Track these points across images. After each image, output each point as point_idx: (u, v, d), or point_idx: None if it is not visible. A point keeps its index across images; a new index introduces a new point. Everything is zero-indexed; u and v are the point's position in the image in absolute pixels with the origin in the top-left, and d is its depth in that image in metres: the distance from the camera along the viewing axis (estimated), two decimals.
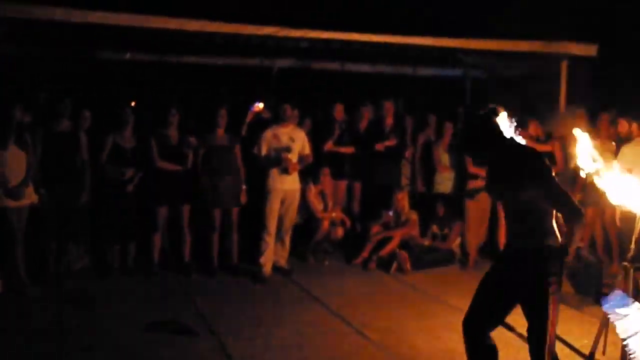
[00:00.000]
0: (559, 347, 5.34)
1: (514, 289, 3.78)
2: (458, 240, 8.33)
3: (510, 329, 5.67)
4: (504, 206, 3.96)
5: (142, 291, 6.78)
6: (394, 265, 7.82)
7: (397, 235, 8.04)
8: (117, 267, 7.27)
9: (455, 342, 4.81)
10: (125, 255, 7.34)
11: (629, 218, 5.11)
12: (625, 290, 4.99)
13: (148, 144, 7.24)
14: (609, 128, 7.91)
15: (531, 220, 3.75)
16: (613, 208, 7.12)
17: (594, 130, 7.52)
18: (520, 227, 3.80)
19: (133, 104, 8.79)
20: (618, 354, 5.01)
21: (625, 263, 5.02)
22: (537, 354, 3.77)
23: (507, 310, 3.87)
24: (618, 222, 7.72)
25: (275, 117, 7.61)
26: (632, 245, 4.98)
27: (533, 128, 8.13)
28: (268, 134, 7.38)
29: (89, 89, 8.81)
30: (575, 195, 8.20)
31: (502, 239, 8.22)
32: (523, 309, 3.84)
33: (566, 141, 8.00)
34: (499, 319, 3.92)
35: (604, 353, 5.17)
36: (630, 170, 7.08)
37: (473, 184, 8.17)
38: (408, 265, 7.79)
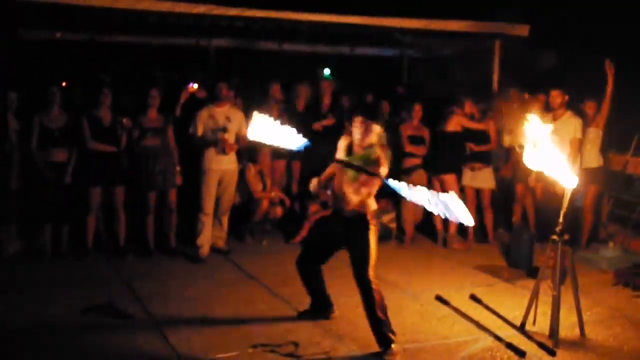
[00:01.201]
0: (492, 319, 5.50)
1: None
2: (391, 216, 8.40)
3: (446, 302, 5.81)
4: None
5: (76, 275, 6.64)
6: None
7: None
8: (50, 251, 7.11)
9: (391, 317, 4.88)
10: (59, 238, 7.18)
11: (556, 192, 5.26)
12: (554, 264, 5.17)
13: (80, 125, 7.07)
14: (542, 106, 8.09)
15: None
16: (543, 182, 7.33)
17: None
18: None
19: (64, 84, 8.56)
20: (548, 324, 5.20)
21: (554, 236, 5.19)
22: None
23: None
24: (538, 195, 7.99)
25: (211, 97, 7.51)
26: (561, 219, 5.15)
27: (468, 106, 8.26)
28: (204, 113, 7.29)
29: (16, 69, 8.51)
30: (507, 172, 8.43)
31: (437, 216, 8.36)
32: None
33: (500, 119, 8.19)
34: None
35: (534, 323, 5.34)
36: (579, 140, 7.41)
37: (409, 162, 8.27)
38: None
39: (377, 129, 4.95)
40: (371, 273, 4.87)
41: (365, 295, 4.87)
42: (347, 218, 4.99)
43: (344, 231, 5.03)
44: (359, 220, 4.94)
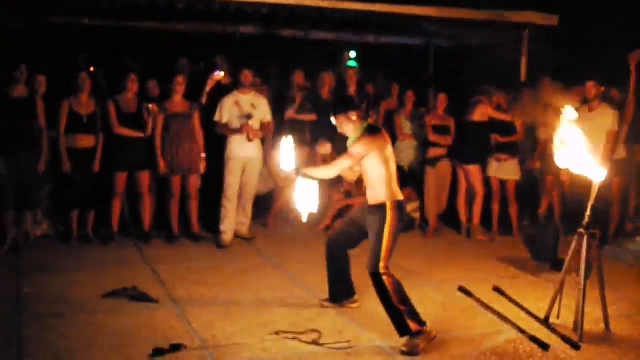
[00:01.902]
0: (515, 312, 5.46)
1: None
2: (415, 205, 8.36)
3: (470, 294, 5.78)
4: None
5: (101, 259, 6.72)
6: None
7: (358, 203, 8.05)
8: (77, 235, 7.18)
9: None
10: (84, 222, 7.25)
11: (584, 186, 5.20)
12: (581, 257, 5.11)
13: (106, 110, 7.12)
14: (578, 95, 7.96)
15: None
16: (571, 175, 7.24)
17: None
18: None
19: (91, 69, 8.61)
20: (572, 317, 5.15)
21: (581, 230, 5.13)
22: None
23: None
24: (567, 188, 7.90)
25: (236, 84, 7.51)
26: (588, 213, 5.09)
27: (496, 97, 8.18)
28: (228, 100, 7.30)
29: (45, 54, 8.58)
30: (534, 163, 8.34)
31: (461, 207, 8.33)
32: None
33: (527, 110, 8.09)
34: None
35: (558, 317, 5.30)
36: (616, 132, 7.31)
37: (434, 152, 8.22)
38: None
39: (342, 119, 5.04)
40: (382, 264, 4.82)
41: (376, 287, 4.85)
42: (367, 207, 5.05)
43: (365, 219, 5.06)
44: (375, 210, 4.94)
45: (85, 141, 7.04)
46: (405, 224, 5.24)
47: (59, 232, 7.35)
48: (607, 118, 7.47)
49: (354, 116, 5.01)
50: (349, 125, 5.03)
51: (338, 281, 5.49)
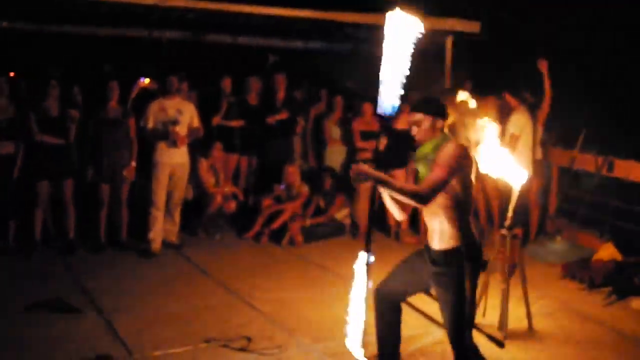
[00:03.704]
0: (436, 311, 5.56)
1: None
2: (346, 212, 8.44)
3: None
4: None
5: (23, 270, 6.50)
6: (286, 238, 7.86)
7: (289, 209, 8.07)
8: None
9: (344, 311, 4.89)
10: (5, 233, 7.00)
11: (507, 188, 5.34)
12: (503, 257, 5.26)
13: (26, 116, 6.91)
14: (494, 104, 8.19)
15: None
16: (493, 178, 7.43)
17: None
18: None
19: (11, 74, 8.34)
20: (497, 316, 5.29)
21: (504, 231, 5.29)
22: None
23: None
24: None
25: (162, 90, 7.42)
26: (510, 214, 5.25)
27: None
28: (154, 106, 7.21)
29: None
30: None
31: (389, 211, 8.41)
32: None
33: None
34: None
35: (484, 316, 5.42)
36: (517, 137, 7.50)
37: (361, 157, 8.31)
38: (299, 238, 7.86)
39: (426, 121, 3.91)
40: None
41: None
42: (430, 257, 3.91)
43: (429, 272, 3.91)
44: (443, 261, 3.80)
45: (4, 148, 6.80)
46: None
47: None
48: (513, 123, 7.71)
49: (440, 125, 3.90)
50: (428, 131, 3.88)
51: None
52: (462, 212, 3.76)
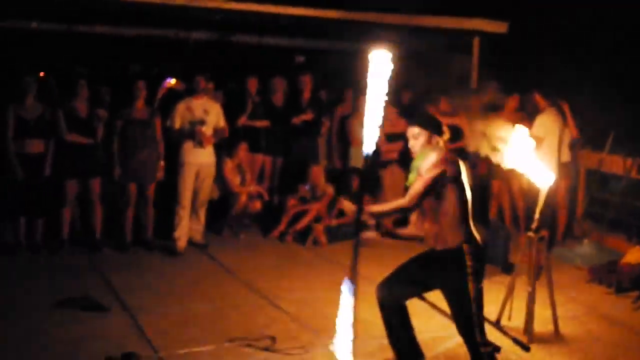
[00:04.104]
0: None
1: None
2: None
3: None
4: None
5: (51, 268, 6.58)
6: (310, 238, 7.87)
7: (313, 209, 8.08)
8: (25, 244, 7.01)
9: (367, 312, 4.89)
10: (33, 231, 7.08)
11: (534, 190, 5.30)
12: (530, 260, 5.21)
13: (56, 116, 6.99)
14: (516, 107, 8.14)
15: None
16: (519, 180, 7.38)
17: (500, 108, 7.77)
18: None
19: (41, 74, 8.45)
20: (523, 319, 5.24)
21: (530, 233, 5.24)
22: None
23: None
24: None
25: (189, 90, 7.47)
26: (536, 216, 5.20)
27: (444, 104, 8.29)
28: (181, 106, 7.25)
29: None
30: (481, 169, 8.47)
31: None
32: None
33: (474, 117, 8.21)
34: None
35: (509, 319, 5.38)
36: (542, 139, 7.43)
37: (387, 156, 8.29)
38: (323, 238, 7.86)
39: (423, 136, 4.16)
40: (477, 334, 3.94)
41: None
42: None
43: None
44: (445, 261, 3.99)
45: (34, 146, 6.89)
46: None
47: (6, 242, 7.13)
48: (544, 123, 7.64)
49: (436, 141, 4.12)
50: (423, 146, 4.10)
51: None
52: (461, 213, 3.94)
